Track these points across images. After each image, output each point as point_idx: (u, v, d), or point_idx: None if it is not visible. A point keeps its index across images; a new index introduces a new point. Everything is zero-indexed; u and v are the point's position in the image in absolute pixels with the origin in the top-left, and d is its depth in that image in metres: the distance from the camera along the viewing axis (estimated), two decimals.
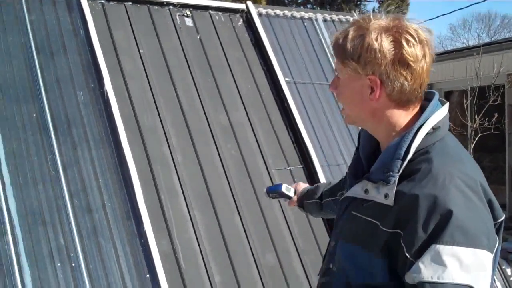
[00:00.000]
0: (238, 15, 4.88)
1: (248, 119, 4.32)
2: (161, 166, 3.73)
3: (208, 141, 4.04)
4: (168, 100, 4.06)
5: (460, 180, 1.46)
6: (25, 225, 3.01)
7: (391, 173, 1.52)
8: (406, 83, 1.55)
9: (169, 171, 3.75)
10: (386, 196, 1.52)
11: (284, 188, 2.49)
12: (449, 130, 1.65)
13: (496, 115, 8.76)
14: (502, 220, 1.56)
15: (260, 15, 4.97)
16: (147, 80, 4.03)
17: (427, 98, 1.64)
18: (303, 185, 2.57)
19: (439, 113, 1.59)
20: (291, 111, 4.50)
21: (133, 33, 4.18)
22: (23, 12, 3.68)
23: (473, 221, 1.41)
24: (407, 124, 1.60)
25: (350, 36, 1.58)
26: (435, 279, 1.37)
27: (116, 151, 3.48)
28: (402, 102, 1.59)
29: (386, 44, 1.53)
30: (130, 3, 4.31)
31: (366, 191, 1.60)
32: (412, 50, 1.53)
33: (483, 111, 8.77)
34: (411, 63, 1.53)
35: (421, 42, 1.54)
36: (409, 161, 1.53)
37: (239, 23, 4.83)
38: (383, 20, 1.57)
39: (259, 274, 3.66)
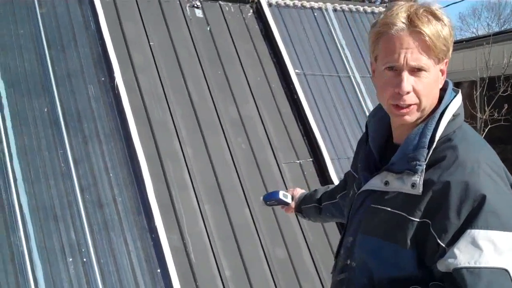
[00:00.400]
0: (248, 5, 4.85)
1: (257, 111, 4.31)
2: (171, 160, 3.72)
3: (218, 135, 4.03)
4: (178, 93, 4.05)
5: (487, 165, 1.47)
6: (37, 221, 3.01)
7: (418, 162, 1.50)
8: None
9: (179, 165, 3.75)
10: (413, 185, 1.50)
11: (281, 195, 2.45)
12: None
13: (506, 106, 8.68)
14: None
15: (270, 5, 4.94)
16: (157, 73, 4.02)
17: (441, 87, 1.63)
18: (300, 191, 2.53)
19: (457, 100, 1.60)
20: (301, 103, 4.48)
21: (143, 25, 4.16)
22: (34, 5, 3.66)
23: (503, 205, 1.43)
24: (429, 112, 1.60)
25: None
26: (472, 264, 1.37)
27: (126, 145, 3.47)
28: None
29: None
30: None
31: (386, 183, 1.58)
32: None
33: (493, 102, 8.69)
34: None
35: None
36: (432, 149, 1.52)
37: (249, 14, 4.80)
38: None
39: (269, 268, 3.67)
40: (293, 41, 4.92)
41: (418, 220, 1.48)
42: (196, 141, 3.92)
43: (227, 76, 4.36)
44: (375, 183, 1.62)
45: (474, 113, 8.75)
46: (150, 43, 4.12)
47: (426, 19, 1.49)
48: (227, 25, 4.61)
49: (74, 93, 3.49)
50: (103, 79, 3.64)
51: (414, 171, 1.50)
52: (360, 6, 5.68)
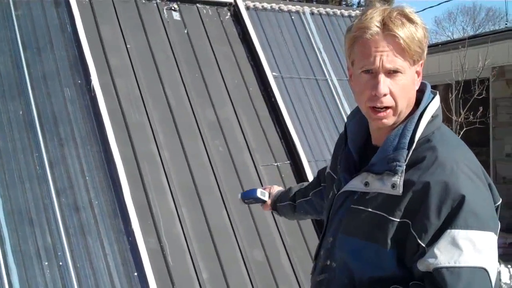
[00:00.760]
0: (225, 8, 4.85)
1: (235, 114, 4.31)
2: (148, 163, 3.72)
3: (196, 138, 4.03)
4: (155, 96, 4.04)
5: (466, 166, 1.50)
6: (12, 224, 2.99)
7: (398, 163, 1.52)
8: None
9: (156, 167, 3.74)
10: (393, 186, 1.52)
11: (259, 193, 2.47)
12: None
13: (481, 109, 8.78)
14: (499, 204, 1.60)
15: (247, 8, 4.95)
16: (134, 76, 4.01)
17: (419, 89, 1.66)
18: (277, 188, 2.53)
19: (435, 102, 1.62)
20: (278, 106, 4.50)
21: (121, 28, 4.15)
22: (10, 7, 3.63)
23: (482, 205, 1.46)
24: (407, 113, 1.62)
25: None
26: (452, 264, 1.40)
27: (103, 148, 3.46)
28: None
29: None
30: None
31: (366, 184, 1.60)
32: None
33: (468, 105, 8.78)
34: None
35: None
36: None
37: (227, 17, 4.81)
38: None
39: (247, 270, 3.67)
40: (271, 44, 4.94)
41: (398, 220, 1.50)
42: (173, 144, 3.91)
43: (205, 79, 4.36)
44: (355, 184, 1.64)
45: (450, 115, 8.83)
46: (127, 46, 4.10)
47: (400, 22, 1.52)
48: (204, 28, 4.61)
49: (50, 96, 3.47)
50: (79, 81, 3.62)
51: (394, 172, 1.52)
52: (337, 10, 5.73)
